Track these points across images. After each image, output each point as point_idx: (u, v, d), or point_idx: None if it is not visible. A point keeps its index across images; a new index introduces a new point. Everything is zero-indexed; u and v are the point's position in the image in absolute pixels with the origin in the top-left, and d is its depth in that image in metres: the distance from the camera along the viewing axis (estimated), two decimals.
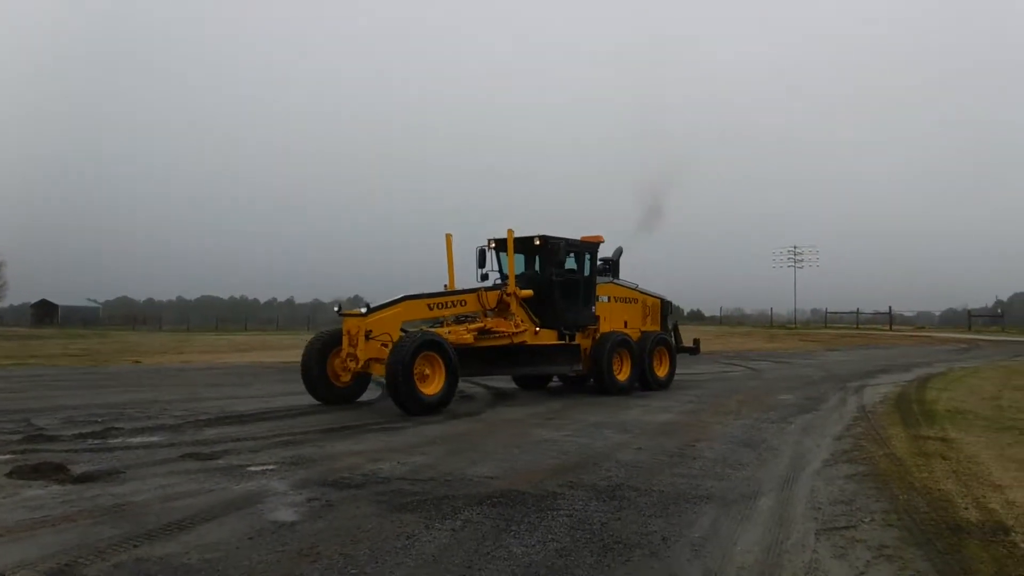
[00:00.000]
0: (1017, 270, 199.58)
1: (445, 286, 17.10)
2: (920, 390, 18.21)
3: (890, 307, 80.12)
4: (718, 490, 8.18)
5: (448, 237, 17.42)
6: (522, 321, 16.89)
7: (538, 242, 17.49)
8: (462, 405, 15.29)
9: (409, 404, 13.70)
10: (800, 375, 23.66)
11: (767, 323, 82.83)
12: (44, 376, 22.86)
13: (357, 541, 6.24)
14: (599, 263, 19.27)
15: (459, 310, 16.41)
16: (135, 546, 6.00)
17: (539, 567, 5.70)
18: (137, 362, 30.28)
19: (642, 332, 19.80)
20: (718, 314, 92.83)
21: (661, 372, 19.65)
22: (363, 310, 14.89)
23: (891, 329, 71.51)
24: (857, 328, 73.59)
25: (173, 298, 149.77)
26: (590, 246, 18.68)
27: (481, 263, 17.93)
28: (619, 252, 20.38)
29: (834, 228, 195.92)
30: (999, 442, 10.96)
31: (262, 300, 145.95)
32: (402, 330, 15.14)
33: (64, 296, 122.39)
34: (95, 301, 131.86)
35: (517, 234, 17.38)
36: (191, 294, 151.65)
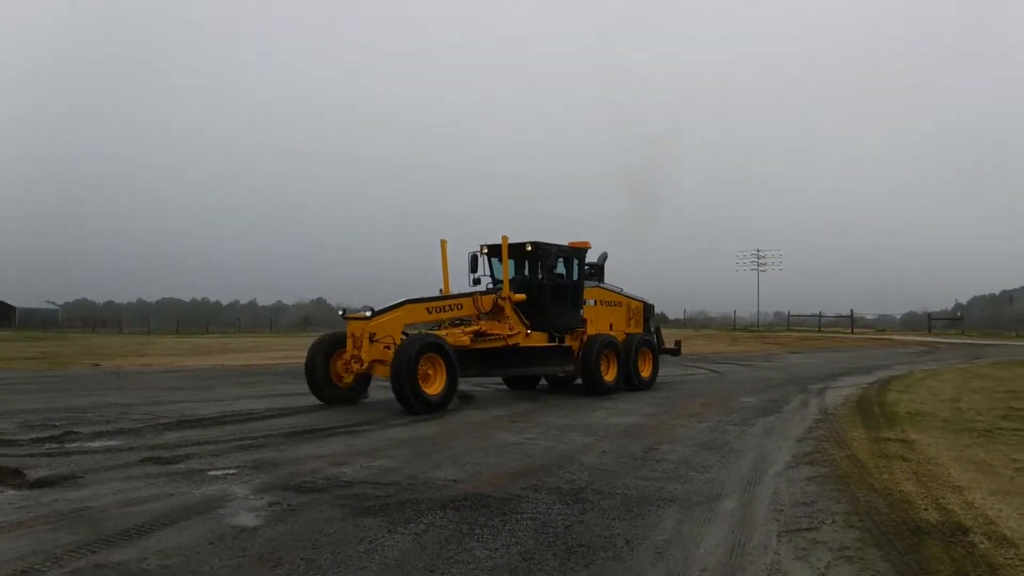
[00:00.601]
0: (977, 274, 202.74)
1: (440, 290, 17.74)
2: (881, 392, 18.41)
3: (851, 310, 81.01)
4: (681, 492, 8.20)
5: (443, 243, 18.03)
6: (515, 324, 17.43)
7: (529, 248, 18.02)
8: None
9: (413, 403, 14.21)
10: (763, 377, 23.83)
11: (730, 326, 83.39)
12: (1, 379, 22.50)
13: (319, 546, 6.19)
14: (585, 268, 19.76)
15: (456, 313, 16.98)
16: (93, 552, 5.92)
17: (503, 571, 5.68)
18: (96, 365, 29.87)
19: (627, 334, 20.35)
20: (682, 316, 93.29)
21: (645, 372, 20.21)
22: (368, 313, 15.32)
23: (852, 332, 72.28)
24: (819, 331, 74.33)
25: (133, 300, 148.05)
26: (578, 252, 19.14)
27: (473, 268, 18.34)
28: (604, 257, 20.95)
29: (798, 231, 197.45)
30: (958, 443, 11.09)
31: (224, 302, 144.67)
32: (403, 333, 15.63)
33: (22, 298, 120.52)
34: (54, 303, 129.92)
35: (507, 240, 17.83)
36: (152, 296, 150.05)
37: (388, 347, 14.92)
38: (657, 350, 21.18)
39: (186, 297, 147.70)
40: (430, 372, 14.78)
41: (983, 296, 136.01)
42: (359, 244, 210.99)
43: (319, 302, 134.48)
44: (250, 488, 8.18)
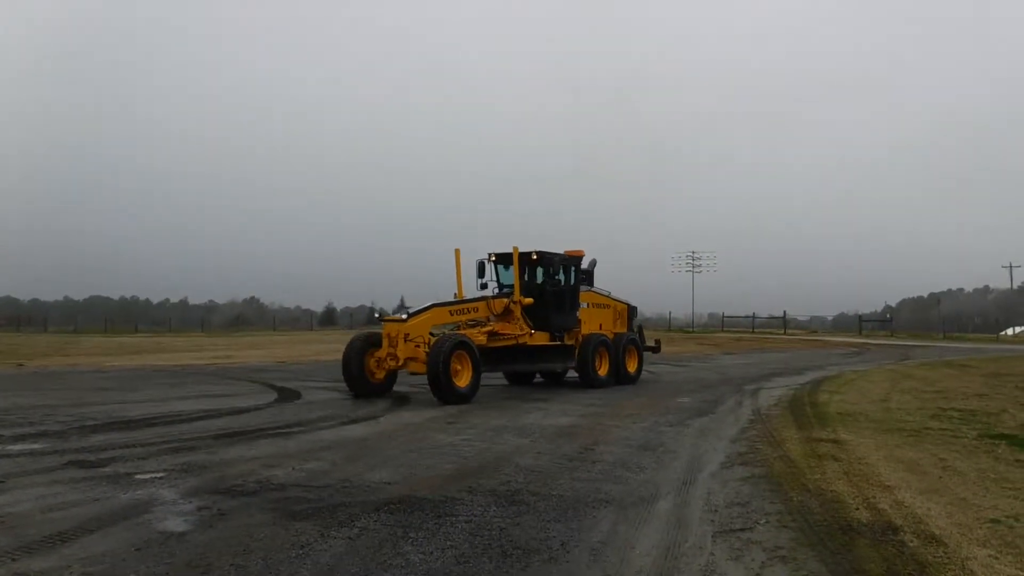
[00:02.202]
0: (906, 277, 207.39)
1: (455, 295, 19.78)
2: (813, 393, 18.65)
3: (784, 311, 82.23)
4: (617, 494, 8.20)
5: (457, 252, 20.15)
6: (523, 325, 19.43)
7: (535, 257, 20.04)
8: (360, 409, 15.07)
9: (447, 394, 16.04)
10: (697, 378, 24.03)
11: (665, 326, 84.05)
12: None
13: (249, 551, 6.06)
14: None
15: (472, 316, 18.95)
16: (13, 560, 5.73)
17: (437, 574, 5.61)
18: (20, 365, 29.13)
19: (615, 334, 22.40)
20: None
21: (631, 368, 22.38)
22: (404, 316, 17.40)
23: (785, 333, 73.34)
24: (753, 332, 75.29)
25: (60, 298, 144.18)
26: (574, 259, 21.22)
27: (480, 274, 20.36)
28: (593, 263, 22.95)
29: (733, 233, 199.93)
30: (888, 443, 11.26)
31: (154, 300, 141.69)
32: (431, 333, 17.45)
33: None
34: None
35: (505, 249, 19.99)
36: (79, 294, 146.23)
37: (419, 345, 16.82)
38: (641, 348, 23.36)
39: (115, 295, 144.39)
40: (459, 367, 16.61)
41: (912, 299, 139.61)
42: (293, 242, 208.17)
43: (252, 301, 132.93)
44: (178, 492, 7.99)
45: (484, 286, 20.23)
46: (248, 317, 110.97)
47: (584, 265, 22.08)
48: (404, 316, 17.37)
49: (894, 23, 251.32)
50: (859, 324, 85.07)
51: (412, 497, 7.84)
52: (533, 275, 20.26)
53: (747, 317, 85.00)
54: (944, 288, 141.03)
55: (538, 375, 22.71)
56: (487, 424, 13.17)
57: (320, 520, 6.95)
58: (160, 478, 8.63)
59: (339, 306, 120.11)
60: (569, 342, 20.72)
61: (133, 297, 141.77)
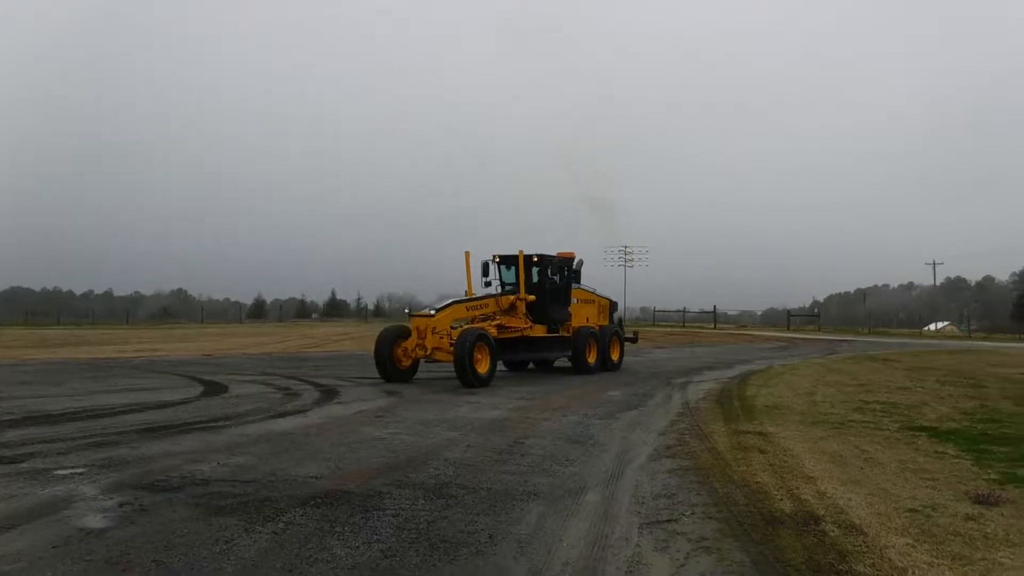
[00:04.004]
0: (834, 274, 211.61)
1: (465, 292, 22.35)
2: (741, 386, 18.97)
3: (715, 306, 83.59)
4: (545, 486, 8.22)
5: (467, 254, 22.87)
6: (526, 319, 22.21)
7: (536, 259, 22.78)
8: (288, 403, 14.89)
9: (471, 379, 18.31)
10: (628, 372, 24.22)
11: None
12: None
13: (171, 547, 5.96)
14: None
15: (484, 311, 21.49)
16: None
17: (363, 569, 5.58)
18: None
19: (600, 326, 25.01)
20: None
21: (615, 356, 25.27)
22: (432, 312, 19.93)
23: (715, 327, 74.41)
24: (683, 326, 76.21)
25: None
26: (567, 260, 24.04)
27: (485, 273, 22.83)
28: (580, 263, 25.03)
29: (663, 228, 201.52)
30: (812, 435, 11.49)
31: (78, 292, 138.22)
32: (452, 326, 19.98)
33: None
34: None
35: (505, 251, 23.01)
36: None
37: (442, 337, 19.32)
38: (623, 339, 26.18)
39: (36, 286, 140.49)
40: (479, 356, 18.90)
41: (839, 294, 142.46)
42: (224, 232, 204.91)
43: (179, 293, 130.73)
44: (99, 488, 7.81)
45: (488, 284, 22.79)
46: (175, 309, 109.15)
47: (574, 266, 24.53)
48: (432, 312, 19.96)
49: (821, 20, 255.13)
50: (787, 319, 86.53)
51: (339, 491, 7.77)
52: (530, 275, 22.69)
53: (678, 312, 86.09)
54: (870, 284, 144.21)
55: (530, 363, 25.04)
56: (417, 418, 13.10)
57: (245, 515, 6.86)
58: (80, 473, 8.43)
59: (269, 298, 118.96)
60: (564, 334, 23.36)
61: (56, 288, 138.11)
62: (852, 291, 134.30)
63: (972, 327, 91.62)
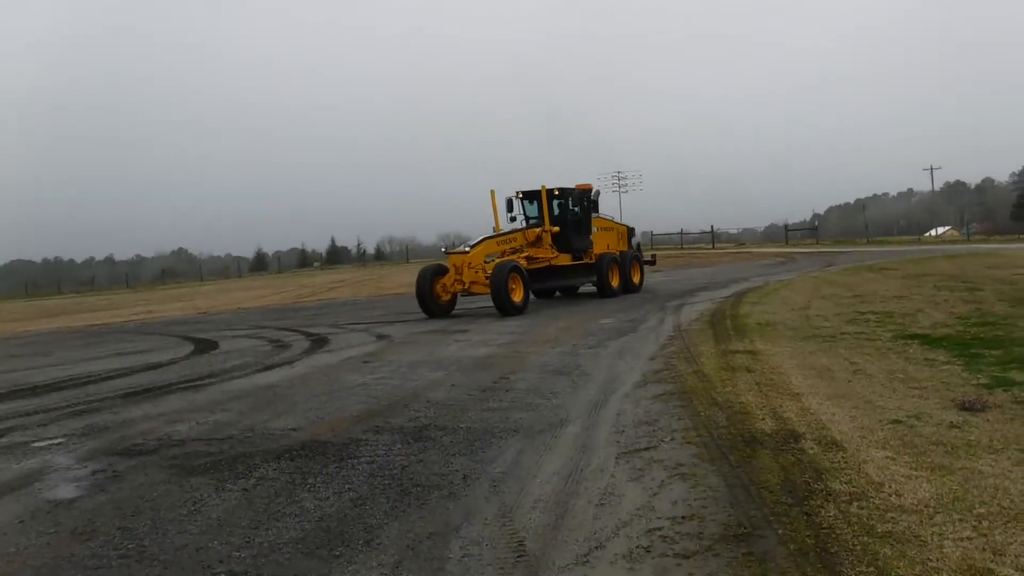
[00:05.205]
0: (834, 185, 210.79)
1: (493, 228, 23.48)
2: (735, 305, 18.70)
3: (712, 226, 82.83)
4: (526, 421, 8.09)
5: (492, 193, 24.08)
6: (552, 250, 23.42)
7: (557, 192, 23.91)
8: (277, 355, 14.78)
9: (507, 307, 19.79)
10: (622, 298, 24.02)
11: None
12: None
13: (139, 512, 5.87)
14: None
15: (513, 245, 22.63)
16: None
17: (331, 520, 5.47)
18: None
19: (620, 252, 26.15)
20: None
21: (636, 279, 26.27)
22: (467, 248, 21.21)
23: (714, 247, 74.07)
24: (682, 248, 75.87)
25: None
26: (586, 192, 25.03)
27: (510, 208, 23.94)
28: (597, 193, 26.17)
29: (661, 151, 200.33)
30: (803, 350, 11.32)
31: (78, 260, 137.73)
32: (486, 260, 21.21)
33: None
34: None
35: (531, 187, 24.03)
36: None
37: (478, 272, 20.65)
38: (642, 262, 27.20)
39: (37, 258, 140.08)
40: (513, 286, 20.27)
41: (839, 206, 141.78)
42: (222, 187, 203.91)
43: (180, 252, 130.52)
44: (74, 457, 7.72)
45: (513, 219, 23.91)
46: (176, 270, 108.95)
47: (592, 196, 25.51)
48: (467, 248, 21.20)
49: None
50: (785, 234, 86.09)
51: (315, 442, 7.65)
52: (552, 207, 23.85)
53: (676, 234, 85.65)
54: (870, 194, 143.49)
55: (557, 291, 25.99)
56: (403, 360, 12.96)
57: (218, 474, 6.76)
58: (58, 444, 8.34)
59: (270, 251, 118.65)
60: (588, 261, 24.66)
61: (56, 258, 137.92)
62: (852, 202, 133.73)
63: (972, 230, 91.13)
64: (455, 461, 6.74)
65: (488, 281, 20.21)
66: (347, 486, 6.18)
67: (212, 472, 6.81)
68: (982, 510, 4.86)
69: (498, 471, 6.39)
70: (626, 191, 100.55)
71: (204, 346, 17.31)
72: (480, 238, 22.07)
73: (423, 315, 21.17)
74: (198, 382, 12.08)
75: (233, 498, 6.06)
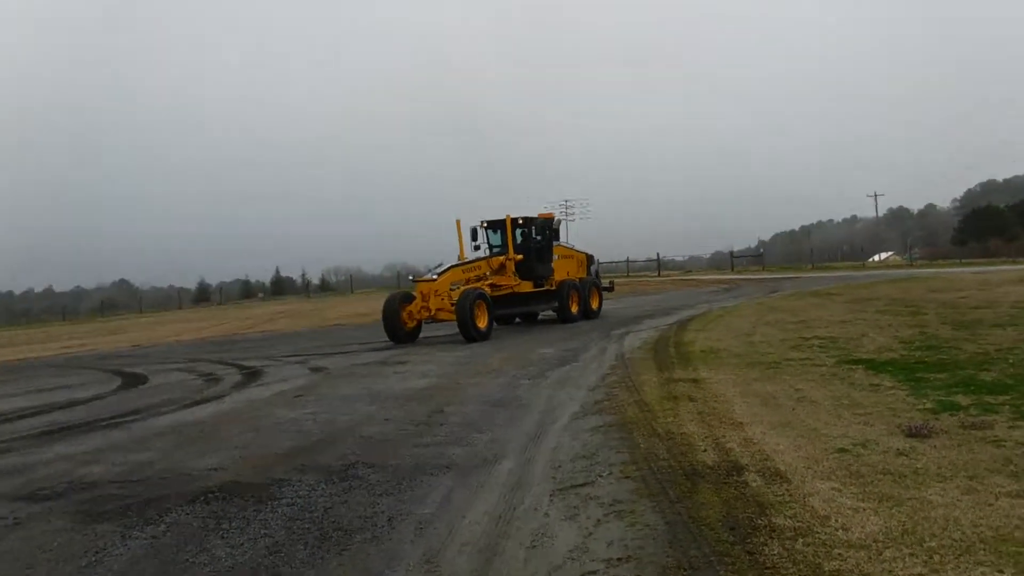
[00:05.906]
0: (779, 212, 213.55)
1: (458, 256, 24.04)
2: (679, 332, 18.56)
3: (658, 253, 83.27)
4: (459, 457, 7.74)
5: (458, 222, 24.49)
6: (514, 277, 23.93)
7: (521, 221, 24.71)
8: (207, 389, 14.21)
9: (473, 334, 20.17)
10: (566, 327, 23.78)
11: None
12: None
13: (34, 565, 5.42)
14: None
15: (477, 272, 23.16)
16: None
17: (242, 569, 5.09)
18: None
19: (579, 279, 26.81)
20: None
21: (595, 305, 26.90)
22: (434, 276, 21.75)
23: (659, 275, 74.34)
24: (627, 276, 76.01)
25: None
26: (548, 221, 26.25)
27: (474, 238, 24.46)
28: (558, 222, 27.75)
29: (604, 180, 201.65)
30: (746, 378, 11.12)
31: (17, 292, 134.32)
32: (451, 288, 21.68)
33: None
34: None
35: (491, 216, 24.77)
36: None
37: (443, 298, 21.11)
38: (601, 289, 28.03)
39: None
40: (479, 313, 20.77)
41: (784, 233, 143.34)
42: (165, 220, 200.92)
43: (121, 284, 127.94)
44: None
45: (477, 247, 24.47)
46: (117, 301, 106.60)
47: (553, 225, 26.67)
48: (434, 276, 21.76)
49: None
50: (731, 260, 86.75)
51: (235, 483, 7.21)
52: (515, 236, 24.51)
53: (623, 262, 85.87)
54: (815, 221, 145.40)
55: (517, 318, 26.30)
56: (337, 394, 12.51)
57: (126, 520, 6.31)
58: None
59: (213, 282, 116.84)
60: (549, 287, 25.29)
61: None
62: (796, 229, 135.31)
63: (916, 255, 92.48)
64: (381, 501, 6.37)
65: (454, 308, 20.54)
66: (264, 531, 5.78)
67: (120, 518, 6.35)
68: (933, 543, 4.62)
69: (426, 512, 6.02)
70: (573, 220, 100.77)
71: (133, 381, 16.61)
72: (446, 266, 22.73)
73: (366, 345, 20.89)
74: (121, 419, 11.48)
75: (139, 547, 5.62)
